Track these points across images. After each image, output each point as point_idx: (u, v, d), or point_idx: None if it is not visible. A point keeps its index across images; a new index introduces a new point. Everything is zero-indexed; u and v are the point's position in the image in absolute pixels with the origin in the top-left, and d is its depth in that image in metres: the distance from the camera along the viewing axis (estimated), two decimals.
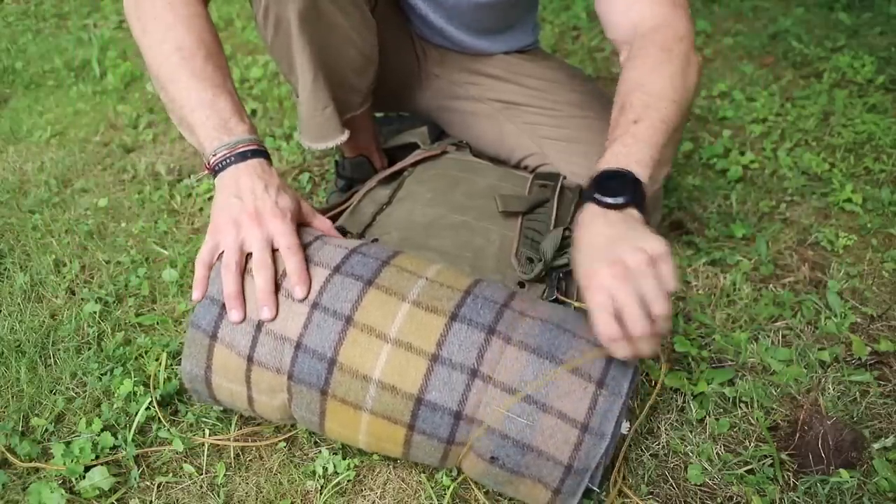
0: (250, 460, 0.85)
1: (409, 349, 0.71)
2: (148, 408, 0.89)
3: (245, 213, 0.76)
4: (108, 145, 1.55)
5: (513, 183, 1.04)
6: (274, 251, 0.76)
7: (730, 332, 1.02)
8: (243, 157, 0.79)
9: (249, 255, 0.75)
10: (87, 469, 0.82)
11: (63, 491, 0.79)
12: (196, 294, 0.76)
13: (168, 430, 0.87)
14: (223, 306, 0.74)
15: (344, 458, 0.83)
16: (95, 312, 1.06)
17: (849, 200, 1.27)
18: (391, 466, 0.84)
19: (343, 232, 0.96)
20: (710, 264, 1.15)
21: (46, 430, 0.88)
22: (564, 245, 0.92)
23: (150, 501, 0.80)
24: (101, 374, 0.95)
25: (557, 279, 0.89)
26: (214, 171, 0.79)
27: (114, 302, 1.09)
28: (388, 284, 0.74)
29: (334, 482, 0.81)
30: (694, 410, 0.89)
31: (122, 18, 2.24)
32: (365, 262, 0.76)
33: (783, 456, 0.85)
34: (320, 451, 0.84)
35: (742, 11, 2.13)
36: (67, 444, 0.84)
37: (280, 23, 0.94)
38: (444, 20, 1.13)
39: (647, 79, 0.80)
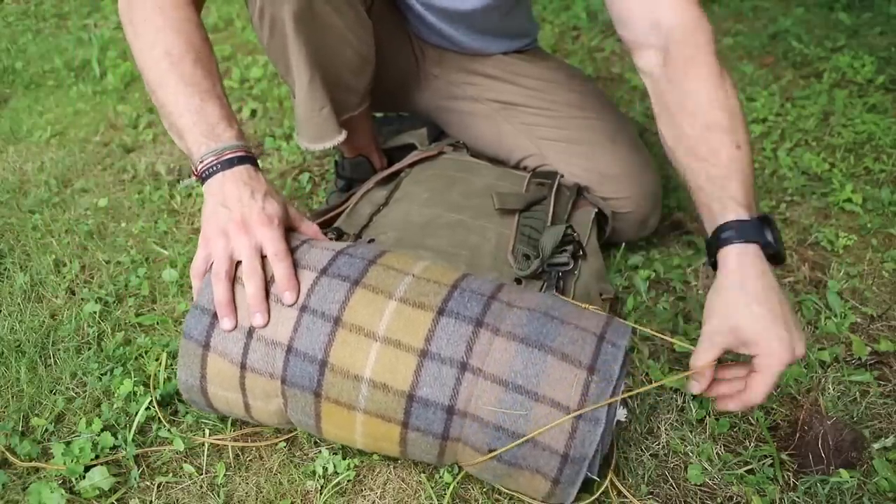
0: (250, 460, 0.85)
1: (398, 346, 0.71)
2: (148, 408, 0.89)
3: (232, 221, 0.76)
4: (108, 145, 1.55)
5: (510, 182, 1.04)
6: (263, 257, 0.76)
7: None
8: (230, 163, 0.79)
9: (239, 262, 0.76)
10: (87, 469, 0.82)
11: (63, 491, 0.79)
12: None
13: (168, 430, 0.87)
14: (214, 315, 0.75)
15: (344, 458, 0.83)
16: (95, 312, 1.06)
17: (849, 200, 1.27)
18: (391, 466, 0.84)
19: (340, 233, 0.96)
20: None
21: (46, 430, 0.88)
22: (564, 242, 0.92)
23: (150, 501, 0.80)
24: (101, 374, 0.95)
25: (556, 277, 0.89)
26: (202, 177, 0.80)
27: (114, 302, 1.09)
28: (375, 283, 0.74)
29: (334, 482, 0.81)
30: (694, 410, 0.89)
31: None
32: (351, 262, 0.77)
33: (783, 456, 0.85)
34: (320, 451, 0.84)
35: (742, 11, 2.13)
36: (67, 444, 0.84)
37: (275, 24, 0.94)
38: (441, 21, 1.13)
39: (720, 98, 0.76)
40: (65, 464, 0.81)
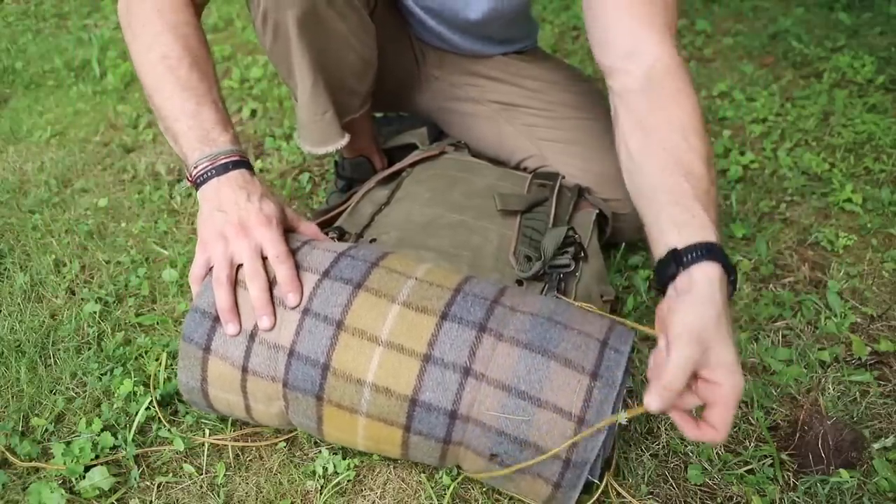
0: (250, 460, 0.85)
1: (401, 351, 0.71)
2: (148, 408, 0.89)
3: (230, 224, 0.76)
4: (108, 145, 1.55)
5: (511, 182, 1.04)
6: (263, 259, 0.76)
7: None
8: (224, 168, 0.79)
9: (240, 266, 0.75)
10: (87, 469, 0.82)
11: (63, 491, 0.79)
12: None
13: (168, 429, 0.87)
14: (215, 318, 0.74)
15: (344, 458, 0.83)
16: (95, 312, 1.06)
17: (849, 200, 1.27)
18: (391, 466, 0.84)
19: (342, 233, 0.96)
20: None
21: (46, 430, 0.88)
22: (566, 243, 0.92)
23: (150, 501, 0.80)
24: (101, 374, 0.95)
25: (558, 279, 0.89)
26: (196, 183, 0.80)
27: (114, 302, 1.09)
28: (378, 286, 0.74)
29: (334, 482, 0.81)
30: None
31: None
32: (354, 265, 0.76)
33: (783, 456, 0.85)
34: (320, 451, 0.84)
35: (742, 11, 2.13)
36: (67, 444, 0.84)
37: (279, 28, 0.94)
38: (441, 25, 1.13)
39: (692, 139, 0.73)
40: (65, 464, 0.82)
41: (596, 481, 0.72)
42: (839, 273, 1.12)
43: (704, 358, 0.62)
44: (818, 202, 1.29)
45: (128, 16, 0.87)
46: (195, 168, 0.79)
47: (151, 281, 1.13)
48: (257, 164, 1.47)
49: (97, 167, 1.47)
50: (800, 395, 0.92)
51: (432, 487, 0.81)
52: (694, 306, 0.63)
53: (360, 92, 1.08)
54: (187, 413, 0.89)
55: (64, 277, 1.14)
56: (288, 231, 0.82)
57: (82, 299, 1.09)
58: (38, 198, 1.35)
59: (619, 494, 0.80)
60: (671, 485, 0.82)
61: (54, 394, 0.93)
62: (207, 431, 0.87)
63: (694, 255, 0.65)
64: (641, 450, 0.85)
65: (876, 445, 0.85)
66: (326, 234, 0.94)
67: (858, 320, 1.03)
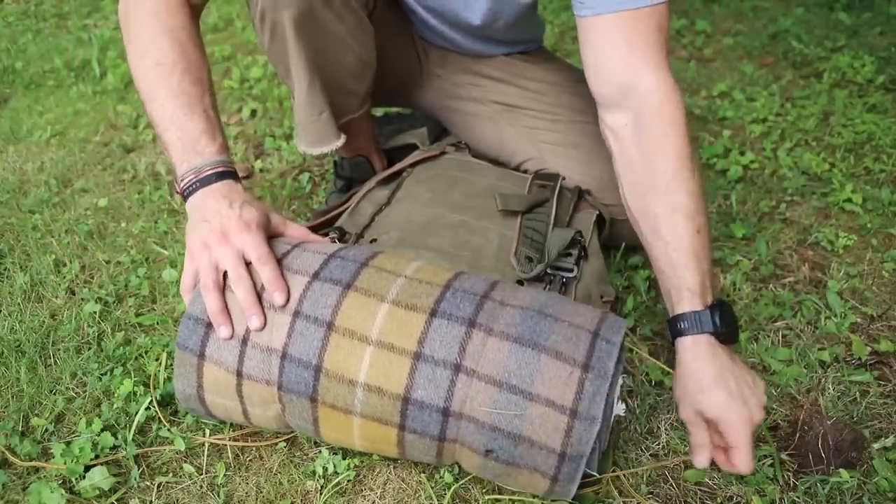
0: (250, 460, 0.85)
1: (392, 349, 0.71)
2: (148, 408, 0.89)
3: (213, 233, 0.77)
4: (108, 145, 1.55)
5: (512, 183, 1.04)
6: (248, 264, 0.76)
7: None
8: (208, 180, 0.80)
9: (226, 272, 0.76)
10: (87, 469, 0.82)
11: (63, 491, 0.79)
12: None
13: (168, 429, 0.87)
14: (208, 325, 0.75)
15: (344, 458, 0.83)
16: (95, 312, 1.06)
17: (849, 200, 1.27)
18: (391, 466, 0.84)
19: (342, 233, 0.96)
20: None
21: (46, 430, 0.88)
22: (571, 245, 0.92)
23: (150, 501, 0.80)
24: (101, 374, 0.95)
25: (561, 283, 0.89)
26: (184, 195, 0.81)
27: (114, 302, 1.09)
28: (367, 286, 0.74)
29: (334, 482, 0.81)
30: None
31: None
32: (343, 265, 0.76)
33: (783, 456, 0.85)
34: (320, 451, 0.84)
35: (742, 11, 2.13)
36: (67, 443, 0.84)
37: (276, 28, 0.94)
38: (443, 25, 1.12)
39: (686, 179, 0.79)
40: (65, 464, 0.82)
41: (595, 474, 0.72)
42: (839, 273, 1.12)
43: (704, 419, 0.73)
44: (818, 202, 1.29)
45: (125, 18, 0.87)
46: (182, 181, 0.81)
47: (151, 281, 1.13)
48: (257, 164, 1.47)
49: (97, 167, 1.47)
50: (800, 395, 0.92)
51: (432, 487, 0.81)
52: (677, 381, 0.76)
53: (358, 93, 1.08)
54: (187, 413, 0.89)
55: (64, 277, 1.14)
56: (275, 236, 0.82)
57: (82, 299, 1.09)
58: (38, 198, 1.35)
59: (620, 493, 0.80)
60: (671, 485, 0.82)
61: (54, 394, 0.93)
62: (207, 431, 0.87)
63: (681, 325, 0.75)
64: (641, 450, 0.85)
65: (876, 445, 0.85)
66: (326, 234, 0.94)
67: (858, 320, 1.03)
